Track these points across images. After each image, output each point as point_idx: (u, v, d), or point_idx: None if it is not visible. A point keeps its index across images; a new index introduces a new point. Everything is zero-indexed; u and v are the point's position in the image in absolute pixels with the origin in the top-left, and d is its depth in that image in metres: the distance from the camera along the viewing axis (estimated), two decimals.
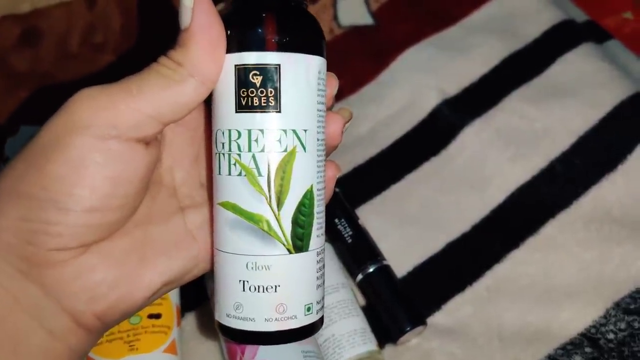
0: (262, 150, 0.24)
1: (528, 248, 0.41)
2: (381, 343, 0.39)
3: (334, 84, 0.27)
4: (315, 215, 0.26)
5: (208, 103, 0.26)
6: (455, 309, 0.40)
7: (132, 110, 0.23)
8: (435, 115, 0.48)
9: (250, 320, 0.26)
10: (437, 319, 0.40)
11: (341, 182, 0.44)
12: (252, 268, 0.25)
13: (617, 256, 0.40)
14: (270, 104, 0.24)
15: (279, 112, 0.24)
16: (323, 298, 0.28)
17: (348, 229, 0.42)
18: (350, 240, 0.42)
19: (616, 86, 0.47)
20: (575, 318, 0.38)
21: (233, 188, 0.25)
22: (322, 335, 0.38)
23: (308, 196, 0.26)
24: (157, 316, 0.37)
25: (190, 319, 0.41)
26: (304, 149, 0.25)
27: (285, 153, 0.25)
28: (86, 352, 0.26)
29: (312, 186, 0.26)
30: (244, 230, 0.25)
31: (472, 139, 0.46)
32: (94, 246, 0.24)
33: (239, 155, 0.25)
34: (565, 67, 0.49)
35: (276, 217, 0.25)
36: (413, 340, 0.40)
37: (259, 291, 0.25)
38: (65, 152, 0.22)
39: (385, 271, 0.41)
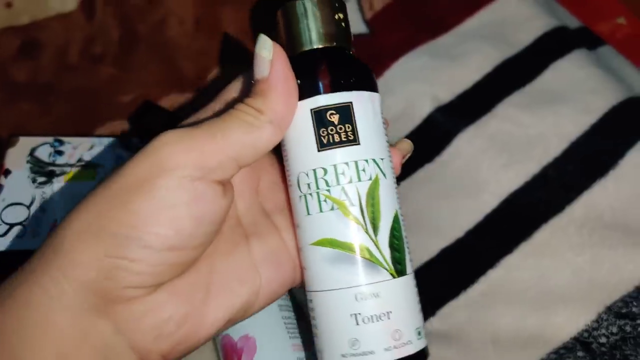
0: (350, 182, 0.26)
1: (521, 253, 0.41)
2: None
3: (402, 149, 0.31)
4: (405, 238, 0.28)
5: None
6: (450, 314, 0.41)
7: (217, 153, 0.24)
8: (429, 122, 0.49)
9: (370, 354, 0.25)
10: (431, 324, 0.41)
11: None
12: (361, 299, 0.26)
13: (608, 260, 0.40)
14: (349, 138, 0.27)
15: (359, 144, 0.27)
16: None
17: None
18: None
19: (608, 92, 0.47)
20: (568, 322, 0.38)
21: (327, 224, 0.26)
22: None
23: (397, 220, 0.27)
24: None
25: None
26: (385, 176, 0.27)
27: (371, 181, 0.27)
28: None
29: (397, 210, 0.28)
30: (345, 263, 0.26)
31: (466, 145, 0.47)
32: (165, 283, 0.25)
33: (329, 190, 0.26)
34: (557, 74, 0.49)
35: (375, 243, 0.26)
36: None
37: (373, 321, 0.26)
38: (152, 191, 0.23)
39: None
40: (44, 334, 0.23)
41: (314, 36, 0.28)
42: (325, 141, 0.27)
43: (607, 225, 0.41)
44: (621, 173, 0.43)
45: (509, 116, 0.47)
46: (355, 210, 0.26)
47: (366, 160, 0.27)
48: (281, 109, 0.25)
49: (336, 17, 0.29)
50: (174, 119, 0.48)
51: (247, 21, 0.55)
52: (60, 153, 0.47)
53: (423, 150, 0.47)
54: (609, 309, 0.38)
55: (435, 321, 0.40)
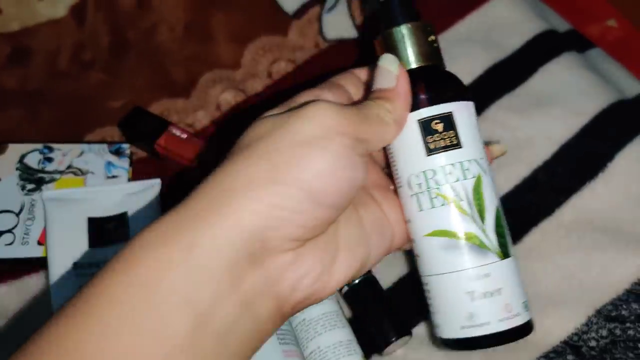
0: (457, 180, 0.31)
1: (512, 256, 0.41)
2: (367, 354, 0.39)
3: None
4: (506, 226, 0.32)
5: None
6: None
7: (366, 132, 0.28)
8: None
9: (486, 325, 0.30)
10: (423, 329, 0.40)
11: None
12: (475, 279, 0.31)
13: (598, 264, 0.40)
14: (453, 142, 0.31)
15: (461, 147, 0.31)
16: None
17: None
18: None
19: (597, 95, 0.48)
20: (558, 326, 0.38)
21: (439, 217, 0.31)
22: (307, 347, 0.38)
23: (499, 210, 0.32)
24: None
25: None
26: (485, 172, 0.32)
27: (475, 179, 0.31)
28: (265, 341, 0.27)
29: (498, 201, 0.32)
30: (458, 250, 0.31)
31: None
32: (310, 240, 0.27)
33: (438, 188, 0.31)
34: (547, 77, 0.49)
35: (483, 232, 0.31)
36: (399, 350, 0.40)
37: (486, 297, 0.30)
38: (324, 152, 0.26)
39: (371, 282, 0.41)
40: (201, 275, 0.24)
41: (412, 57, 0.32)
42: (432, 147, 0.31)
43: (597, 228, 0.41)
44: (611, 176, 0.43)
45: (498, 119, 0.48)
46: (464, 205, 0.31)
47: (469, 161, 0.31)
48: (403, 114, 0.31)
49: (429, 39, 0.33)
50: (164, 125, 0.48)
51: (237, 27, 0.55)
52: (49, 160, 0.47)
53: None
54: (598, 312, 0.38)
55: (427, 325, 0.40)
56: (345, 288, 0.41)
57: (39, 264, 0.44)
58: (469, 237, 0.31)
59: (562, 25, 0.55)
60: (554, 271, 0.40)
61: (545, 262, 0.41)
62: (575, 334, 0.38)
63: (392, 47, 0.33)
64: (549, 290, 0.40)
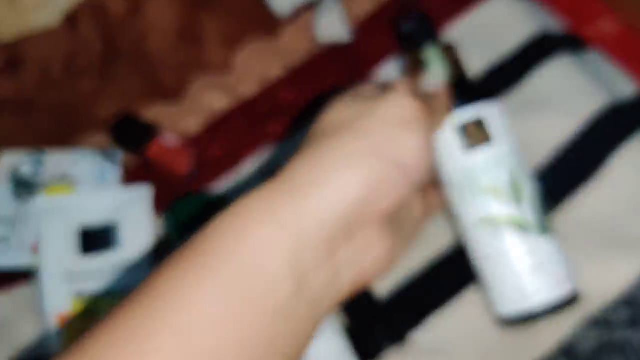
0: (494, 173, 0.36)
1: None
2: None
3: None
4: (542, 205, 0.37)
5: None
6: (437, 325, 0.40)
7: (433, 119, 0.34)
8: None
9: (537, 296, 0.35)
10: (418, 335, 0.40)
11: None
12: (524, 254, 0.35)
13: (588, 270, 0.39)
14: (487, 140, 0.36)
15: (494, 145, 0.36)
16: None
17: None
18: None
19: (592, 97, 0.47)
20: (549, 330, 0.38)
21: (484, 205, 0.36)
22: None
23: (534, 194, 0.37)
24: None
25: None
26: (517, 163, 0.37)
27: (508, 170, 0.36)
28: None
29: (532, 187, 0.37)
30: (505, 231, 0.35)
31: None
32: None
33: (479, 180, 0.36)
34: (541, 79, 0.49)
35: (523, 213, 0.36)
36: (393, 358, 0.40)
37: (534, 271, 0.35)
38: (414, 134, 0.30)
39: (365, 289, 0.41)
40: (305, 242, 0.25)
41: (447, 70, 0.38)
42: (469, 144, 0.36)
43: (591, 234, 0.41)
44: (606, 179, 0.43)
45: None
46: (504, 193, 0.36)
47: (502, 154, 0.36)
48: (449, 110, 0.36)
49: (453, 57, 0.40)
50: (154, 131, 0.48)
51: (228, 31, 0.55)
52: (41, 167, 0.47)
53: None
54: (588, 317, 0.38)
55: (422, 333, 0.40)
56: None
57: (31, 271, 0.44)
58: (512, 220, 0.35)
59: (556, 26, 0.54)
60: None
61: None
62: (567, 337, 0.38)
63: (421, 66, 0.38)
64: None
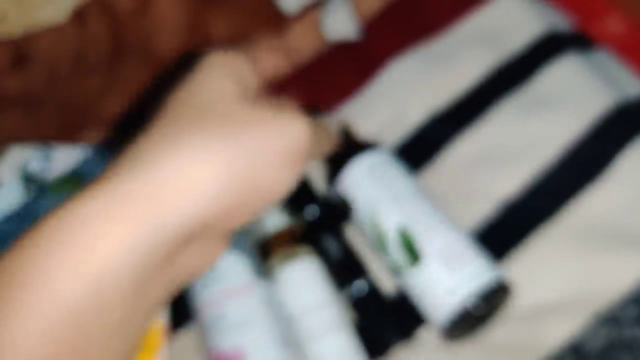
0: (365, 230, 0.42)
1: (514, 260, 0.41)
2: (369, 358, 0.39)
3: None
4: (409, 238, 0.39)
5: None
6: None
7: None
8: (422, 129, 0.48)
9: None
10: (425, 333, 0.40)
11: None
12: (419, 286, 0.39)
13: (599, 268, 0.40)
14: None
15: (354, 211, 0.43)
16: None
17: (336, 245, 0.42)
18: (338, 256, 0.42)
19: (600, 96, 0.47)
20: (558, 329, 0.38)
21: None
22: (311, 351, 0.38)
23: (399, 232, 0.39)
24: None
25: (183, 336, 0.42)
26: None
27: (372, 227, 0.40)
28: None
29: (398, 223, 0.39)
30: (403, 273, 0.39)
31: (458, 152, 0.47)
32: None
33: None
34: (550, 78, 0.49)
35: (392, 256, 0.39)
36: (401, 354, 0.40)
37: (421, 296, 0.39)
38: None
39: (374, 286, 0.41)
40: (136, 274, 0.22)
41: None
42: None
43: (599, 232, 0.41)
44: (614, 178, 0.43)
45: (500, 122, 0.47)
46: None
47: (363, 216, 0.42)
48: None
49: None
50: None
51: (237, 29, 0.55)
52: (50, 163, 0.47)
53: (415, 158, 0.47)
54: (597, 316, 0.38)
55: (430, 330, 0.40)
56: (348, 292, 0.41)
57: None
58: (391, 266, 0.40)
59: (564, 25, 0.54)
60: (554, 274, 0.40)
61: (545, 264, 0.41)
62: (575, 336, 0.38)
63: None
64: (550, 295, 0.40)
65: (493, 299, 0.37)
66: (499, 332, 0.39)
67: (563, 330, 0.38)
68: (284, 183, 0.25)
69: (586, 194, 0.43)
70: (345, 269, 0.42)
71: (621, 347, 0.37)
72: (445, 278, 0.37)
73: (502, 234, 0.42)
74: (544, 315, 0.39)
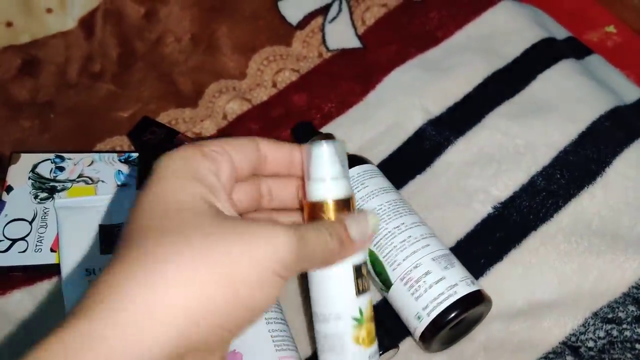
0: None
1: (511, 261, 0.42)
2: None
3: None
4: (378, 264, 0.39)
5: None
6: None
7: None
8: (420, 134, 0.50)
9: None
10: (410, 343, 0.40)
11: None
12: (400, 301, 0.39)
13: (596, 268, 0.41)
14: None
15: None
16: None
17: None
18: None
19: (595, 101, 0.48)
20: (556, 328, 0.39)
21: None
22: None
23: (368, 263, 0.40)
24: None
25: None
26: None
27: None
28: None
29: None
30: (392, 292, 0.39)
31: (456, 156, 0.48)
32: None
33: None
34: (545, 84, 0.50)
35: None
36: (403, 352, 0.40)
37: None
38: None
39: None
40: None
41: None
42: None
43: (595, 233, 0.42)
44: (608, 181, 0.44)
45: (497, 127, 0.49)
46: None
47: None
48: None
49: None
50: (173, 134, 0.49)
51: (242, 38, 0.56)
52: (61, 169, 0.48)
53: (415, 162, 0.48)
54: (595, 315, 0.39)
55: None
56: None
57: (52, 271, 0.45)
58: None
59: (560, 32, 0.56)
60: (552, 276, 0.41)
61: (544, 266, 0.42)
62: (573, 335, 0.39)
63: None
64: (548, 294, 0.41)
65: (464, 314, 0.36)
66: (498, 331, 0.40)
67: (561, 327, 0.39)
68: (267, 298, 0.23)
69: (584, 196, 0.44)
70: None
71: (620, 346, 0.38)
72: (413, 304, 0.37)
73: (500, 234, 0.44)
74: (540, 314, 0.40)
